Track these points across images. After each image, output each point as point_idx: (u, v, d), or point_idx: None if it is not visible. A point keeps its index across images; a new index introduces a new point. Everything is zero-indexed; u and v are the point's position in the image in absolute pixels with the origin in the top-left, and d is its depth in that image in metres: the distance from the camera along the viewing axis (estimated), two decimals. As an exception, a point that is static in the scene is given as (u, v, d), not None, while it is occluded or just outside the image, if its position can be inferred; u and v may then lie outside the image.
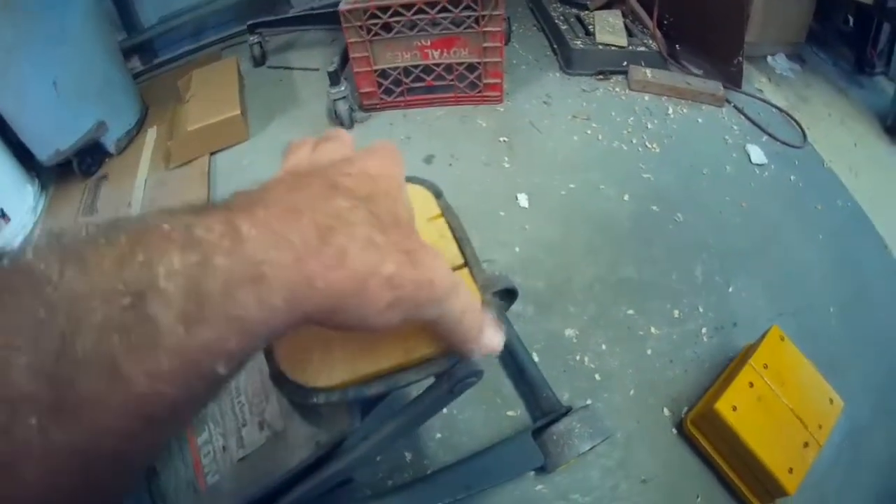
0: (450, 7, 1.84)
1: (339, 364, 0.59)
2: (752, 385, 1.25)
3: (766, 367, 1.28)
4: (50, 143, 1.82)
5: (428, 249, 0.33)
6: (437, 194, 0.94)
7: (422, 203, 0.71)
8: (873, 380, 1.46)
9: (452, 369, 0.84)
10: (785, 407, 1.24)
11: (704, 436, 1.30)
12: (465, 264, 0.80)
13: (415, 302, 0.31)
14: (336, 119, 2.05)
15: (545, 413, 1.32)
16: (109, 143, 2.02)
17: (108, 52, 2.02)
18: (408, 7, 1.84)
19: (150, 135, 2.15)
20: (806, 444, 1.21)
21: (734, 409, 1.21)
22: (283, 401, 0.75)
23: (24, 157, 1.86)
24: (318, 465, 0.94)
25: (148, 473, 1.11)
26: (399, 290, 0.30)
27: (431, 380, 0.90)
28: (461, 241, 0.89)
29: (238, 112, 2.05)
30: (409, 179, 0.94)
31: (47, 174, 1.99)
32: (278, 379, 0.77)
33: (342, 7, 1.85)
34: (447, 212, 0.92)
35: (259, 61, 2.46)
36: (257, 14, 2.50)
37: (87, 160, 1.97)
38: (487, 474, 1.23)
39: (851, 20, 2.53)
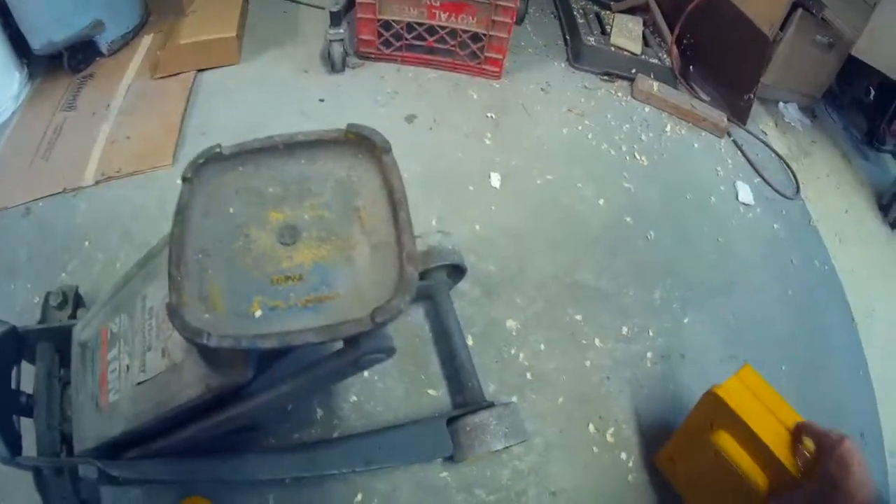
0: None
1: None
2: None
3: None
4: (44, 32, 1.75)
5: None
6: (386, 150, 0.83)
7: None
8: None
9: (360, 340, 0.74)
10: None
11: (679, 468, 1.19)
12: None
13: None
14: (328, 60, 1.94)
15: (466, 402, 1.22)
16: (103, 43, 1.95)
17: (120, -48, 1.93)
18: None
19: (145, 42, 2.06)
20: None
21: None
22: None
23: (17, 45, 1.79)
24: (215, 406, 0.82)
25: (62, 382, 0.99)
26: None
27: (334, 347, 0.79)
28: (397, 205, 0.78)
29: (234, 34, 1.95)
30: (355, 127, 0.84)
31: (37, 65, 1.91)
32: (174, 312, 0.66)
33: (357, -52, 1.74)
34: (391, 172, 0.82)
35: (269, -9, 2.34)
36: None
37: (78, 56, 1.90)
38: (392, 453, 1.14)
39: (873, 92, 2.47)
